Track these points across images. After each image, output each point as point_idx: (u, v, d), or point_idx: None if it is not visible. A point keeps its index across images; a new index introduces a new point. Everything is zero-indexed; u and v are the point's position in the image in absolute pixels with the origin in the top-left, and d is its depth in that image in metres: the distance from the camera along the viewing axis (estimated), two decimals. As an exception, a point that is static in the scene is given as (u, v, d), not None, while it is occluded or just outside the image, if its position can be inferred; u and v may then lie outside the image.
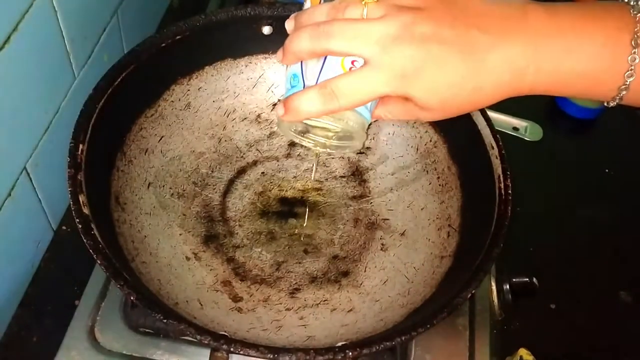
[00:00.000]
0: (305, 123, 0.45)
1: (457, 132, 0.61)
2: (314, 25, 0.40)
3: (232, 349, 0.43)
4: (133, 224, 0.56)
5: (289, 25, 0.43)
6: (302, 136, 0.48)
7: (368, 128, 0.46)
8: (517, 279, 0.62)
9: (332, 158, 0.67)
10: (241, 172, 0.65)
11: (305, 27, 0.40)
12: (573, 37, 0.38)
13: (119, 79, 0.55)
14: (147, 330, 0.56)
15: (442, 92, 0.39)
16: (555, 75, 0.39)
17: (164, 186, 0.61)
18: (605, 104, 0.42)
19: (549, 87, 0.40)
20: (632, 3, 0.38)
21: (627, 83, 0.38)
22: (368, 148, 0.67)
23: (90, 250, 0.45)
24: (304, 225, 0.62)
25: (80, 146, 0.50)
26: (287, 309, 0.55)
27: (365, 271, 0.59)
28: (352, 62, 0.40)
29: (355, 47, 0.38)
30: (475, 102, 0.40)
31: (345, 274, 0.59)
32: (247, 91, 0.67)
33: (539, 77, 0.39)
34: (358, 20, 0.39)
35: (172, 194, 0.61)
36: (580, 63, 0.38)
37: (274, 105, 0.68)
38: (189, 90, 0.64)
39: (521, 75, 0.39)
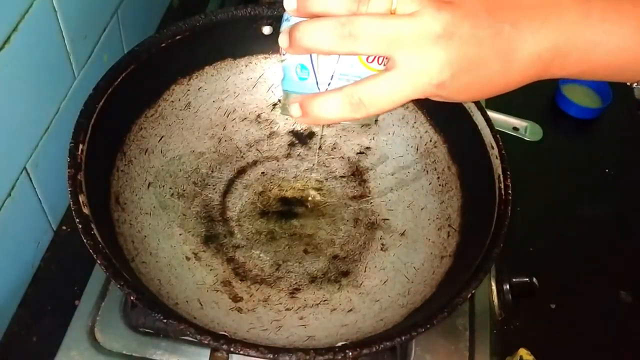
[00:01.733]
0: None
1: (457, 132, 0.61)
2: (335, 22, 0.35)
3: (232, 349, 0.43)
4: (133, 224, 0.56)
5: (289, 4, 0.37)
6: None
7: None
8: (517, 279, 0.62)
9: (332, 158, 0.67)
10: (241, 172, 0.65)
11: (324, 22, 0.35)
12: (603, 28, 0.37)
13: (119, 79, 0.55)
14: (147, 330, 0.56)
15: (472, 92, 0.37)
16: (582, 65, 0.38)
17: (164, 186, 0.61)
18: (629, 84, 0.41)
19: (574, 74, 0.39)
20: None
21: None
22: (368, 148, 0.67)
23: (90, 250, 0.45)
24: (304, 225, 0.62)
25: (80, 146, 0.50)
26: (287, 309, 0.55)
27: (365, 271, 0.59)
28: (375, 57, 0.37)
29: (385, 50, 0.35)
30: (498, 92, 0.38)
31: (345, 274, 0.59)
32: (247, 91, 0.67)
33: (565, 67, 0.38)
34: (387, 18, 0.35)
35: (172, 194, 0.61)
36: (609, 54, 0.38)
37: (274, 105, 0.68)
38: (189, 90, 0.64)
39: (548, 67, 0.38)
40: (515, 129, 0.83)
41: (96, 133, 0.52)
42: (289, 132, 0.68)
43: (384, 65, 0.37)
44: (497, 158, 0.55)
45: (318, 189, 0.65)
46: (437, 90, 0.36)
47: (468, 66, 0.35)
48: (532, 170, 0.78)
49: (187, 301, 0.53)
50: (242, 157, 0.66)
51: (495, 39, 0.35)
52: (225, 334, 0.45)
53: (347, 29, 0.34)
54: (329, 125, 0.68)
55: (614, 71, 0.39)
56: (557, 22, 0.37)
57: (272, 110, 0.68)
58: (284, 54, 0.40)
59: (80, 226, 0.46)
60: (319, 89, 0.38)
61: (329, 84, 0.38)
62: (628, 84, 0.41)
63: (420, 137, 0.65)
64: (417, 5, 0.34)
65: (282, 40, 0.38)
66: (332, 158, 0.67)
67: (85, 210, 0.47)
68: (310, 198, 0.64)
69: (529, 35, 0.36)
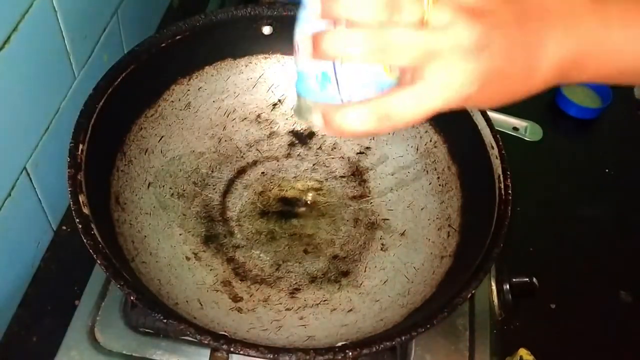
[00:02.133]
0: None
1: (457, 132, 0.61)
2: (369, 33, 0.34)
3: (232, 349, 0.43)
4: (133, 224, 0.56)
5: (312, 5, 0.35)
6: None
7: None
8: (517, 279, 0.62)
9: (332, 158, 0.67)
10: (241, 172, 0.65)
11: (356, 33, 0.34)
12: (623, 34, 0.37)
13: (119, 79, 0.55)
14: (147, 330, 0.56)
15: (495, 100, 0.37)
16: (600, 70, 0.38)
17: (164, 186, 0.61)
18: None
19: (592, 79, 0.39)
20: None
21: None
22: (368, 148, 0.67)
23: (90, 250, 0.45)
24: (304, 225, 0.62)
25: (80, 146, 0.50)
26: (287, 309, 0.55)
27: (365, 271, 0.59)
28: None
29: (416, 62, 0.34)
30: (519, 100, 0.38)
31: (345, 274, 0.59)
32: (247, 91, 0.67)
33: (584, 73, 0.38)
34: (421, 30, 0.34)
35: (172, 194, 0.61)
36: (628, 59, 0.38)
37: (274, 105, 0.68)
38: (189, 90, 0.64)
39: (567, 74, 0.38)
40: (515, 129, 0.83)
41: (96, 133, 0.52)
42: (289, 132, 0.68)
43: (410, 75, 0.36)
44: (497, 158, 0.55)
45: (318, 189, 0.65)
46: (462, 103, 0.35)
47: (496, 78, 0.35)
48: (532, 170, 0.78)
49: (187, 301, 0.53)
50: (242, 157, 0.66)
51: (523, 50, 0.35)
52: (225, 334, 0.45)
53: (382, 41, 0.33)
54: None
55: (631, 75, 0.39)
56: (578, 30, 0.37)
57: (272, 110, 0.68)
58: (301, 57, 0.38)
59: (80, 226, 0.46)
60: (341, 99, 0.37)
61: (350, 94, 0.37)
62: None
63: (420, 137, 0.65)
64: (449, 16, 0.34)
65: (306, 45, 0.36)
66: (332, 158, 0.67)
67: (85, 210, 0.47)
68: (310, 198, 0.64)
69: (554, 45, 0.36)
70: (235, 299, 0.55)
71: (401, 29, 0.34)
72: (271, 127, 0.68)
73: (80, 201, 0.47)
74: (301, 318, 0.55)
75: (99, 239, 0.46)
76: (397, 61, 0.34)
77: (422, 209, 0.62)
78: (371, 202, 0.64)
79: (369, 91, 0.37)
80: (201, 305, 0.54)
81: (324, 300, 0.56)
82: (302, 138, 0.68)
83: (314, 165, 0.67)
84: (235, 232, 0.61)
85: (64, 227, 0.67)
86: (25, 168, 0.58)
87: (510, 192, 0.53)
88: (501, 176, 0.54)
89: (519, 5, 0.36)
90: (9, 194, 0.56)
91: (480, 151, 0.56)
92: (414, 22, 0.34)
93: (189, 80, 0.64)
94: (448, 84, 0.34)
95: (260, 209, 0.63)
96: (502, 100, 0.37)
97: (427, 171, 0.64)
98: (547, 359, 0.56)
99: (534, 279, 0.62)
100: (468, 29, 0.33)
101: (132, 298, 0.44)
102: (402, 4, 0.33)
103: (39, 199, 0.62)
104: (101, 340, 0.56)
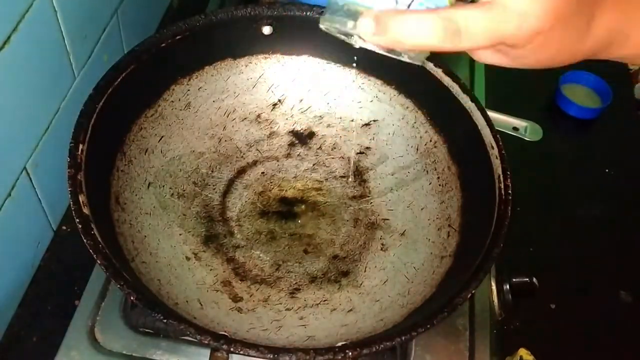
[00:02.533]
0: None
1: (457, 132, 0.61)
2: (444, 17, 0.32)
3: (232, 349, 0.43)
4: (133, 224, 0.56)
5: None
6: (347, 37, 0.37)
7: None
8: (517, 279, 0.62)
9: (332, 158, 0.67)
10: (241, 172, 0.65)
11: (430, 17, 0.32)
12: None
13: (119, 79, 0.55)
14: (147, 330, 0.56)
15: (544, 56, 0.36)
16: (634, 50, 0.39)
17: (164, 186, 0.61)
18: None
19: (626, 57, 0.40)
20: None
21: None
22: (368, 148, 0.67)
23: (90, 250, 0.45)
24: (304, 225, 0.62)
25: (80, 146, 0.50)
26: (287, 309, 0.55)
27: (365, 271, 0.59)
28: None
29: None
30: (562, 64, 0.38)
31: (345, 274, 0.59)
32: (247, 91, 0.67)
33: (620, 51, 0.39)
34: None
35: (172, 194, 0.61)
36: None
37: (274, 105, 0.68)
38: (189, 90, 0.64)
39: (605, 49, 0.38)
40: (515, 129, 0.83)
41: (96, 133, 0.52)
42: (289, 132, 0.68)
43: None
44: (497, 158, 0.55)
45: (318, 189, 0.65)
46: (527, 41, 0.34)
47: (562, 24, 0.34)
48: (532, 170, 0.78)
49: (187, 301, 0.53)
50: (242, 157, 0.66)
51: (579, 14, 0.35)
52: (225, 334, 0.45)
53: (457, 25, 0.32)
54: (328, 126, 0.68)
55: None
56: (625, 7, 0.37)
57: (272, 110, 0.68)
58: None
59: (80, 226, 0.46)
60: (396, 2, 0.33)
61: (409, 5, 0.33)
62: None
63: (420, 137, 0.65)
64: None
65: (370, 29, 0.33)
66: (332, 158, 0.67)
67: (85, 210, 0.47)
68: (310, 198, 0.64)
69: (601, 17, 0.36)
70: (235, 299, 0.55)
71: None
72: (271, 127, 0.68)
73: (80, 201, 0.47)
74: (301, 318, 0.55)
75: (99, 239, 0.46)
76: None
77: (422, 209, 0.62)
78: (371, 202, 0.64)
79: (428, 3, 0.33)
80: (201, 305, 0.54)
81: (324, 300, 0.56)
82: (302, 138, 0.68)
83: (314, 165, 0.67)
84: (235, 232, 0.61)
85: (64, 227, 0.67)
86: (25, 168, 0.58)
87: (510, 192, 0.53)
88: (501, 176, 0.54)
89: None
90: (9, 194, 0.56)
91: (480, 151, 0.56)
92: None
93: (189, 80, 0.64)
94: (524, 13, 0.33)
95: (260, 209, 0.63)
96: (550, 59, 0.37)
97: (427, 171, 0.64)
98: (547, 359, 0.56)
99: (534, 279, 0.62)
100: None
101: (132, 298, 0.44)
102: None
103: (39, 199, 0.62)
104: (101, 340, 0.56)
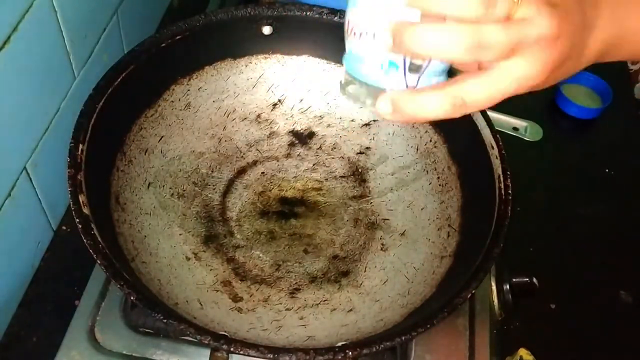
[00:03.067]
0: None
1: (457, 132, 0.61)
2: (463, 31, 0.32)
3: (232, 349, 0.43)
4: (133, 224, 0.56)
5: None
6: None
7: None
8: (517, 279, 0.62)
9: (332, 158, 0.67)
10: (241, 172, 0.65)
11: (449, 29, 0.32)
12: None
13: (119, 79, 0.55)
14: (147, 330, 0.56)
15: (552, 80, 0.37)
16: (632, 52, 0.40)
17: (164, 186, 0.61)
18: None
19: (625, 57, 0.41)
20: None
21: None
22: (368, 148, 0.67)
23: (90, 250, 0.45)
24: (304, 225, 0.62)
25: (80, 146, 0.50)
26: (287, 309, 0.55)
27: (365, 271, 0.59)
28: None
29: (504, 57, 0.34)
30: (565, 78, 0.39)
31: (345, 274, 0.59)
32: (247, 91, 0.67)
33: (619, 54, 0.40)
34: (511, 26, 0.33)
35: (172, 194, 0.61)
36: None
37: (274, 105, 0.68)
38: (189, 90, 0.64)
39: (605, 55, 0.39)
40: (515, 129, 0.83)
41: (96, 133, 0.52)
42: (289, 132, 0.68)
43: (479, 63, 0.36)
44: (497, 158, 0.55)
45: (318, 189, 0.65)
46: (532, 88, 0.36)
47: (561, 63, 0.36)
48: (532, 170, 0.78)
49: (187, 301, 0.53)
50: (242, 157, 0.66)
51: (582, 33, 0.36)
52: (225, 334, 0.45)
53: (476, 39, 0.32)
54: (328, 126, 0.68)
55: None
56: (621, 15, 0.38)
57: (272, 110, 0.68)
58: (367, 45, 0.35)
59: (80, 226, 0.46)
60: (406, 85, 0.36)
61: (418, 82, 0.36)
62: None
63: (420, 137, 0.65)
64: (534, 9, 0.33)
65: (382, 36, 0.34)
66: (332, 158, 0.67)
67: (85, 210, 0.47)
68: (310, 198, 0.64)
69: (601, 27, 0.37)
70: (235, 299, 0.55)
71: (493, 25, 0.33)
72: (271, 127, 0.68)
73: (80, 201, 0.47)
74: (301, 318, 0.55)
75: (99, 239, 0.46)
76: (488, 57, 0.33)
77: (422, 209, 0.62)
78: (371, 202, 0.64)
79: (437, 79, 0.36)
80: (201, 305, 0.54)
81: (324, 300, 0.56)
82: (302, 138, 0.68)
83: (314, 165, 0.67)
84: (235, 232, 0.61)
85: (64, 227, 0.67)
86: (25, 168, 0.58)
87: (510, 192, 0.53)
88: (501, 176, 0.54)
89: None
90: (9, 194, 0.56)
91: (480, 151, 0.56)
92: (501, 17, 0.33)
93: (189, 80, 0.64)
94: (526, 74, 0.34)
95: (260, 209, 0.63)
96: (556, 79, 0.38)
97: (427, 171, 0.64)
98: (547, 359, 0.56)
99: (534, 279, 0.62)
100: (549, 20, 0.33)
101: (132, 298, 0.44)
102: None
103: (39, 199, 0.62)
104: (101, 340, 0.56)
